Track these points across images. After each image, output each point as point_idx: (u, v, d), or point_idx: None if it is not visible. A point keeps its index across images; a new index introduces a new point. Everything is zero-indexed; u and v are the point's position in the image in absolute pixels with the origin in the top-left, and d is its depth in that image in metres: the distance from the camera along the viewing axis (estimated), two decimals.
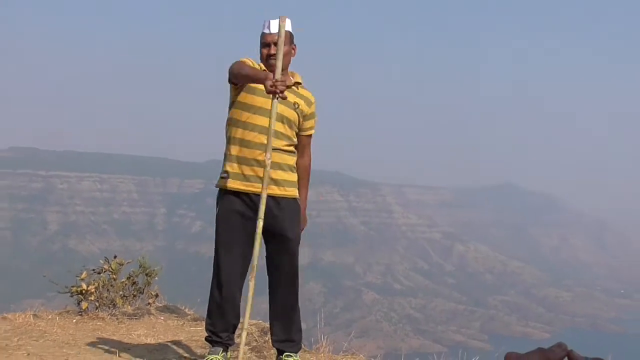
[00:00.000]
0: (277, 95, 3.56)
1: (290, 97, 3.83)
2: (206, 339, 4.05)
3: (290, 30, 3.85)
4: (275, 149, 3.79)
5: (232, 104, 3.93)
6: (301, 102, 3.91)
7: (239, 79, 3.82)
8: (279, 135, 3.83)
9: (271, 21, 3.81)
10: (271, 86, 3.51)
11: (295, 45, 3.94)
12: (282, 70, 3.75)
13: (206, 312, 4.02)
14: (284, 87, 3.54)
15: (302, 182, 4.05)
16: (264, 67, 3.87)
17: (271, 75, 3.56)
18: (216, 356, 3.89)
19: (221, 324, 3.95)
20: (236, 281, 3.91)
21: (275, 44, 3.73)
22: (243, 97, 3.86)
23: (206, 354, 4.01)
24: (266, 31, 3.82)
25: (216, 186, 3.96)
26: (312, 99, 4.00)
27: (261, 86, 3.84)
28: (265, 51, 3.84)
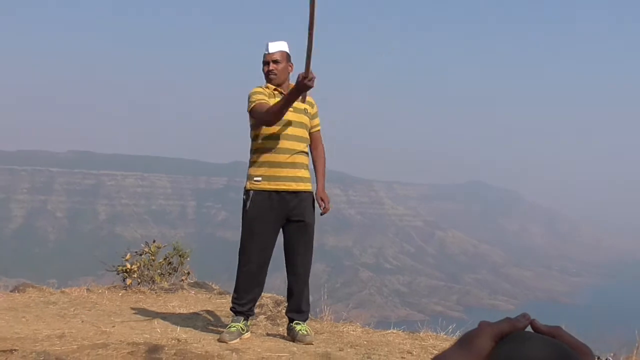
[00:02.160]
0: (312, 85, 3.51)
1: (300, 105, 3.85)
2: (230, 309, 4.03)
3: (287, 50, 3.89)
4: (298, 152, 3.86)
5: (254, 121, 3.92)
6: (307, 107, 3.94)
7: (275, 122, 3.74)
8: (299, 139, 3.88)
9: (269, 43, 3.87)
10: (309, 81, 3.45)
11: (292, 63, 3.94)
12: (282, 83, 3.86)
13: (234, 287, 3.99)
14: (313, 76, 3.46)
15: (320, 169, 4.03)
16: (267, 84, 3.90)
17: (300, 86, 3.49)
18: (238, 324, 3.87)
19: (245, 297, 3.93)
20: (260, 262, 3.89)
21: (274, 61, 3.82)
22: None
23: (230, 322, 4.00)
24: (265, 52, 3.87)
25: (247, 188, 3.88)
26: (314, 102, 4.04)
27: (277, 98, 3.86)
28: (265, 68, 3.88)
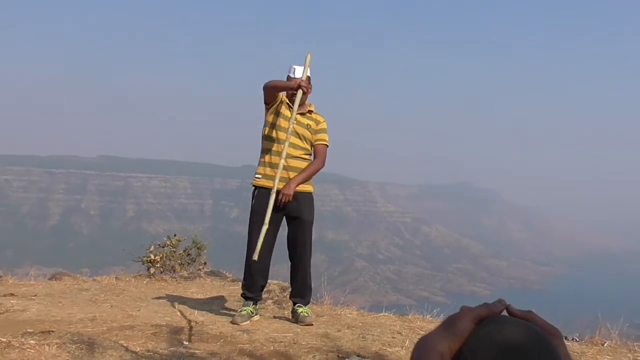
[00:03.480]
0: (303, 90, 3.73)
1: (304, 120, 3.89)
2: (241, 295, 4.04)
3: (309, 74, 3.91)
4: (295, 157, 3.85)
5: (265, 123, 3.97)
6: (312, 123, 3.93)
7: (270, 91, 3.85)
8: (297, 147, 3.87)
9: (295, 67, 3.87)
10: (298, 85, 3.69)
11: (311, 85, 3.93)
12: (301, 104, 3.87)
13: (242, 275, 4.00)
14: (306, 84, 3.73)
15: (304, 170, 3.86)
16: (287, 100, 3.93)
17: (295, 81, 3.74)
18: (248, 308, 3.88)
19: (252, 284, 3.93)
20: (264, 252, 3.84)
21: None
22: (271, 118, 3.92)
23: (241, 306, 4.00)
24: (291, 75, 3.86)
25: (252, 184, 3.98)
26: (321, 120, 3.99)
27: (283, 109, 3.88)
28: (290, 92, 3.87)
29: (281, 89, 3.85)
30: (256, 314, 3.95)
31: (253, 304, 3.92)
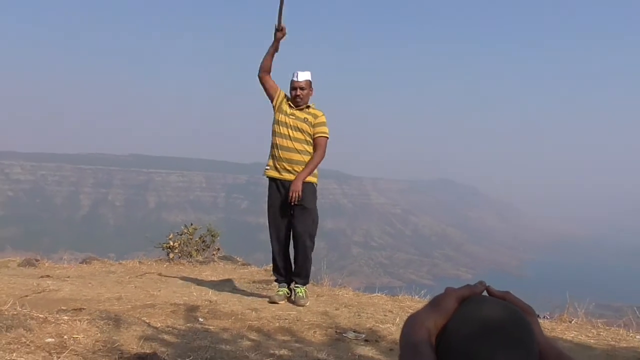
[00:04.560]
0: (283, 35, 3.79)
1: (302, 115, 3.83)
2: (275, 280, 4.06)
3: (310, 79, 3.89)
4: (296, 150, 3.81)
5: (272, 120, 3.92)
6: (309, 117, 3.83)
7: (264, 63, 3.83)
8: (297, 140, 3.80)
9: (298, 73, 3.85)
10: (279, 31, 3.76)
11: (312, 88, 3.91)
12: (304, 103, 3.86)
13: (268, 262, 4.01)
14: (283, 26, 3.77)
15: (307, 164, 3.79)
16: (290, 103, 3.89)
17: (275, 35, 3.76)
18: (284, 289, 3.91)
19: (276, 268, 3.97)
20: (279, 241, 3.88)
21: (300, 88, 3.83)
22: (277, 115, 3.87)
23: (277, 288, 3.97)
24: (294, 79, 3.84)
25: (263, 174, 3.93)
26: (319, 114, 3.87)
27: (285, 107, 3.85)
28: (293, 93, 3.86)
29: (268, 56, 3.80)
30: (290, 295, 3.94)
31: (287, 287, 3.93)
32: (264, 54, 3.83)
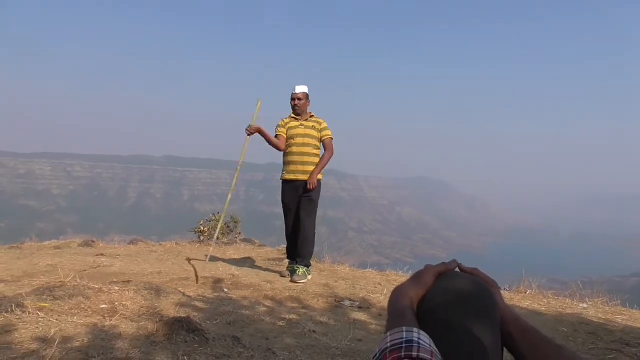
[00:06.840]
0: (247, 133, 3.72)
1: (309, 123, 3.79)
2: (286, 257, 3.98)
3: (307, 91, 3.84)
4: (307, 154, 3.75)
5: (287, 136, 3.85)
6: (315, 124, 3.79)
7: (275, 147, 3.82)
8: (308, 145, 3.75)
9: (296, 86, 3.83)
10: (247, 129, 3.72)
11: (309, 99, 3.87)
12: (302, 113, 3.83)
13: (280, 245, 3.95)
14: (252, 129, 3.72)
15: (319, 162, 3.75)
16: (292, 115, 3.84)
17: (247, 132, 3.73)
18: (292, 266, 3.82)
19: (289, 250, 3.91)
20: (293, 230, 3.81)
21: (298, 99, 3.79)
22: (289, 132, 3.80)
23: (287, 265, 3.92)
24: (293, 91, 3.82)
25: (281, 178, 3.87)
26: (321, 121, 3.84)
27: (294, 126, 3.81)
28: (292, 102, 3.82)
29: (270, 143, 3.80)
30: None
31: (294, 263, 3.81)
32: (270, 143, 3.78)
